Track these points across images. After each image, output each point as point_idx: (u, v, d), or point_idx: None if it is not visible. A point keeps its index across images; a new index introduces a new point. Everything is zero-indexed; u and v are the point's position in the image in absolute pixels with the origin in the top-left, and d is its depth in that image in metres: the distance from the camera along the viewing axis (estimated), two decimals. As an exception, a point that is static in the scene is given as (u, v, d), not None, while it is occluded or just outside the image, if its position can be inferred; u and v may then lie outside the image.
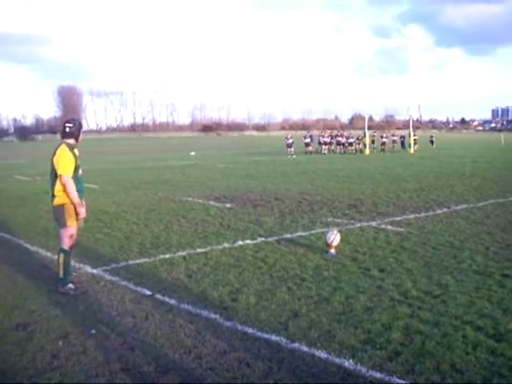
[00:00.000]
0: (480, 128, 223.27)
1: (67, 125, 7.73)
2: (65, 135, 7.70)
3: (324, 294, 7.13)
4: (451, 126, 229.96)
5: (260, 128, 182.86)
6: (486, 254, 9.23)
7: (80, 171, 7.73)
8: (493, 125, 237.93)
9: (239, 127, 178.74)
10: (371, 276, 7.96)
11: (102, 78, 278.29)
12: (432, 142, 59.39)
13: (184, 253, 9.49)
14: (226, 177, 24.53)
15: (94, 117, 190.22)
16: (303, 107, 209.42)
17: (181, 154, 47.09)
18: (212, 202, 15.70)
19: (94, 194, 17.46)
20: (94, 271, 8.43)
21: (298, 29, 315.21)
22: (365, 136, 49.01)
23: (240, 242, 10.28)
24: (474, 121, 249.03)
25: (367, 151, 47.02)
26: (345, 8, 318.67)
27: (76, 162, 7.57)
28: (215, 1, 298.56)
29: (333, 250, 9.26)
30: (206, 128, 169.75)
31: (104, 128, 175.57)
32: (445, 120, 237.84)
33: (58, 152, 7.54)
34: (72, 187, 7.40)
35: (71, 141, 7.69)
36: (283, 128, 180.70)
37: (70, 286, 7.52)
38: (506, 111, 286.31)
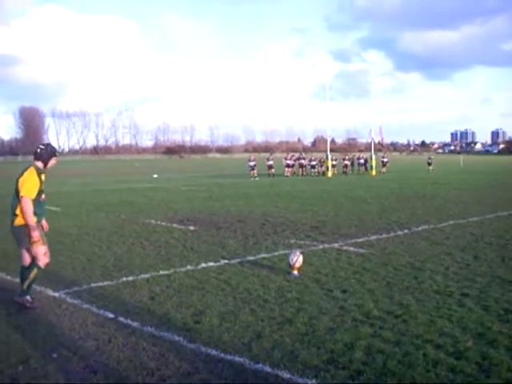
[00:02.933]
0: (440, 150, 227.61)
1: (39, 146, 7.94)
2: (35, 156, 7.85)
3: (287, 315, 7.17)
4: (412, 148, 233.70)
5: (223, 150, 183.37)
6: (445, 274, 9.38)
7: (43, 196, 7.77)
8: (452, 147, 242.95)
9: (202, 150, 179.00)
10: (334, 297, 8.02)
11: (65, 100, 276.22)
12: (383, 162, 57.85)
13: (147, 275, 9.44)
14: (189, 199, 24.48)
15: (56, 139, 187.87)
16: (266, 129, 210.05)
17: (144, 177, 46.85)
18: (175, 225, 15.66)
19: (56, 217, 17.25)
20: (56, 294, 8.33)
21: (260, 52, 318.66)
22: (327, 158, 49.42)
23: (203, 265, 10.27)
24: (434, 143, 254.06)
25: (329, 173, 47.39)
26: (306, 32, 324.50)
27: (40, 186, 7.66)
28: (176, 25, 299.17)
29: (296, 272, 9.31)
30: (169, 150, 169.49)
31: (66, 150, 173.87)
32: (406, 143, 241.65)
33: (24, 174, 7.64)
34: (30, 209, 7.45)
35: (39, 164, 7.80)
36: (246, 150, 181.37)
37: (28, 298, 7.62)
38: (464, 134, 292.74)
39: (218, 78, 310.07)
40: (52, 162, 7.98)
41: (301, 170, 50.14)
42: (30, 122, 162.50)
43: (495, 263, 10.18)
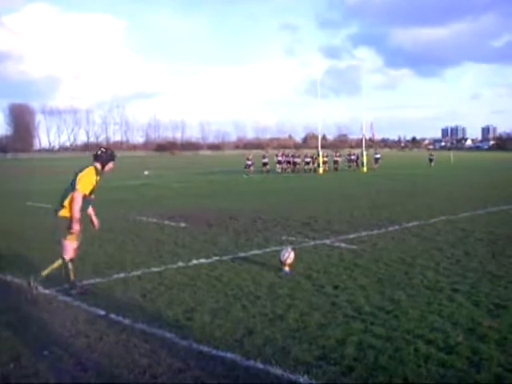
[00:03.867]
0: (431, 147, 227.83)
1: (100, 149, 8.49)
2: (94, 157, 8.32)
3: (278, 312, 7.18)
4: (403, 144, 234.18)
5: (214, 147, 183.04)
6: (436, 269, 9.42)
7: (92, 196, 8.28)
8: (443, 143, 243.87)
9: (194, 146, 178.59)
10: (325, 293, 8.04)
11: (56, 97, 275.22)
12: (376, 159, 57.74)
13: (138, 272, 9.43)
14: (180, 196, 24.47)
15: (46, 135, 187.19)
16: (257, 126, 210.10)
17: (135, 174, 46.71)
18: (167, 222, 15.64)
19: (48, 214, 17.18)
20: (47, 291, 8.29)
21: (251, 48, 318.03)
22: (318, 155, 49.46)
23: (195, 261, 10.27)
24: (424, 139, 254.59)
25: (321, 170, 47.44)
26: (296, 30, 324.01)
27: (94, 186, 8.18)
28: (167, 22, 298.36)
29: (287, 268, 9.32)
30: (160, 147, 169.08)
31: (57, 147, 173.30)
32: (397, 139, 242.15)
33: (85, 170, 8.15)
34: (79, 203, 7.90)
35: (98, 165, 8.25)
36: (237, 147, 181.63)
37: (36, 284, 8.03)
38: (455, 130, 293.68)
39: (208, 74, 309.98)
40: (110, 165, 8.41)
41: (292, 166, 50.20)
42: (20, 119, 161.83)
43: (486, 259, 10.23)
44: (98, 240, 12.68)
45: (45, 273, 8.10)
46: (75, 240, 8.16)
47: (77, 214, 7.90)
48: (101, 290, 8.38)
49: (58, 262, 8.15)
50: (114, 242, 12.39)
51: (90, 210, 8.51)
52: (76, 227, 7.94)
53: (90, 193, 8.14)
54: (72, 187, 8.01)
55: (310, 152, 59.50)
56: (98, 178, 8.26)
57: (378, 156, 55.23)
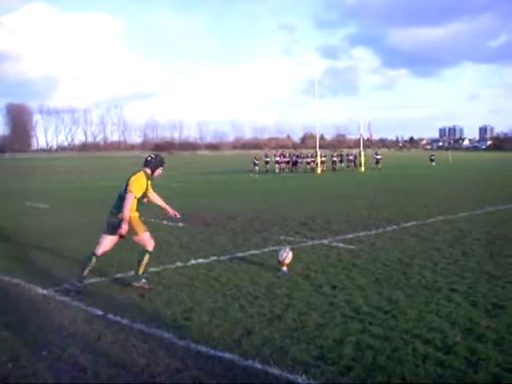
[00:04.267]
0: (428, 147, 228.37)
1: (150, 155, 9.06)
2: (144, 163, 8.83)
3: (276, 312, 7.18)
4: (401, 144, 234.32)
5: (212, 147, 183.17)
6: (434, 269, 9.43)
7: (145, 200, 8.80)
8: (440, 143, 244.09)
9: (191, 146, 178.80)
10: (323, 293, 8.05)
11: (54, 97, 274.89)
12: (377, 159, 57.35)
13: (136, 272, 9.42)
14: (178, 196, 24.45)
15: (44, 135, 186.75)
16: (255, 126, 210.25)
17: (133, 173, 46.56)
18: (165, 222, 15.61)
19: (46, 214, 17.22)
20: (45, 292, 8.30)
21: (249, 49, 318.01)
22: (316, 155, 49.48)
23: (193, 261, 10.28)
24: (422, 139, 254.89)
25: (319, 170, 47.46)
26: (294, 30, 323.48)
27: (146, 189, 8.66)
28: (165, 22, 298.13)
29: (285, 268, 9.33)
30: (158, 147, 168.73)
31: (55, 147, 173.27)
32: (394, 139, 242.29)
33: (137, 174, 8.68)
34: (131, 204, 8.37)
35: (148, 170, 8.76)
36: (235, 147, 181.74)
37: (144, 280, 8.56)
38: (452, 130, 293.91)
39: (206, 74, 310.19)
40: (158, 171, 8.86)
41: (291, 166, 50.22)
42: (18, 118, 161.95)
43: (483, 259, 10.24)
44: (96, 239, 12.66)
45: (140, 272, 8.60)
46: (143, 232, 8.67)
47: (127, 213, 8.31)
48: (99, 290, 8.38)
49: (147, 257, 8.62)
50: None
51: (163, 205, 9.33)
52: (125, 226, 8.32)
53: (142, 196, 8.60)
54: (125, 191, 8.51)
55: (310, 152, 59.51)
56: (149, 182, 8.74)
57: (379, 157, 55.09)
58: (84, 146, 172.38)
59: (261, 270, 9.58)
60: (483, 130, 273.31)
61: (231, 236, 13.14)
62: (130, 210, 8.35)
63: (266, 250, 11.34)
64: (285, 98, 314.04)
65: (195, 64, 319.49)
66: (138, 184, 8.52)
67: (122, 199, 8.50)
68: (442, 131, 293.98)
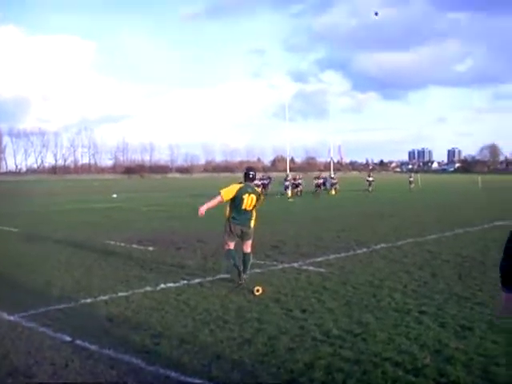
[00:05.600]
0: (398, 169, 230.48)
1: (250, 172, 10.40)
2: (245, 179, 10.32)
3: (246, 336, 7.15)
4: (371, 167, 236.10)
5: (183, 170, 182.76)
6: (404, 291, 9.49)
7: (243, 206, 10.06)
8: (410, 166, 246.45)
9: (162, 169, 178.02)
10: (293, 317, 8.03)
11: (23, 119, 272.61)
12: (369, 182, 57.89)
13: (105, 297, 9.32)
14: (148, 219, 24.33)
15: (13, 158, 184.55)
16: (226, 149, 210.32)
17: (103, 197, 46.37)
18: (134, 245, 15.52)
19: (14, 238, 16.99)
20: (11, 318, 8.14)
21: (219, 72, 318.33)
22: (287, 178, 49.56)
23: (162, 285, 10.20)
24: (392, 162, 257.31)
25: (289, 193, 47.49)
26: (264, 54, 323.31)
27: (239, 194, 9.97)
28: (135, 45, 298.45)
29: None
30: (129, 170, 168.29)
31: (24, 169, 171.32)
32: (364, 162, 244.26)
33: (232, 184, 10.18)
34: (212, 201, 10.02)
35: (251, 183, 10.32)
36: (206, 170, 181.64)
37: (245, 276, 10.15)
38: (421, 153, 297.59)
39: (177, 96, 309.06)
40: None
41: (262, 189, 50.17)
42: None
43: (452, 280, 10.34)
44: (66, 264, 12.54)
45: (247, 269, 10.26)
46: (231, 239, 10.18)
47: (204, 206, 9.88)
48: (67, 316, 8.25)
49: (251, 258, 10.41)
50: (81, 267, 12.23)
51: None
52: (201, 210, 9.86)
53: (234, 201, 10.02)
54: (254, 210, 10.32)
55: (279, 175, 59.66)
56: (248, 195, 10.03)
57: (371, 179, 55.19)
58: (54, 169, 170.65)
59: (231, 293, 9.54)
60: (451, 153, 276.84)
61: (201, 259, 13.08)
62: (209, 204, 9.97)
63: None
64: (255, 121, 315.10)
65: (167, 86, 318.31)
66: (229, 188, 10.00)
67: (250, 213, 10.27)
68: (411, 154, 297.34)
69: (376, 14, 52.13)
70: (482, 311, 8.14)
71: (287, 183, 47.51)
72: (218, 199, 9.98)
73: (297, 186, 48.33)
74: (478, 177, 71.07)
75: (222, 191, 9.90)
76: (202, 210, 9.85)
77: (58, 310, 8.58)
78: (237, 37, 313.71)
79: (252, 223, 10.34)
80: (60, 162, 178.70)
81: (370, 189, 53.15)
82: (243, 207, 10.03)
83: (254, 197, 10.12)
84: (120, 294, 9.56)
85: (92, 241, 16.73)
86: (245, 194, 10.00)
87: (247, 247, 10.30)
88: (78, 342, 6.99)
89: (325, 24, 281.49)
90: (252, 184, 10.33)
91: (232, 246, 10.19)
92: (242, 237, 10.23)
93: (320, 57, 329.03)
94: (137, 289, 9.96)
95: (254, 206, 10.20)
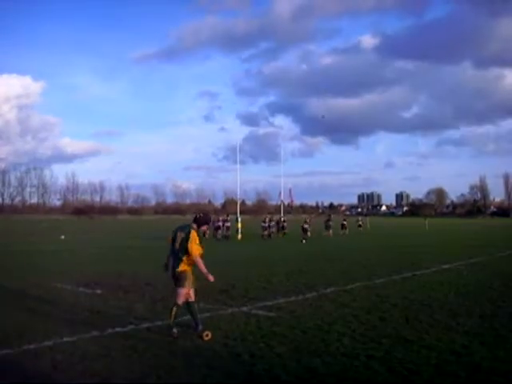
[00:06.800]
0: (347, 212, 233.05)
1: (199, 213, 10.29)
2: (194, 220, 10.05)
3: (195, 382, 7.07)
4: (321, 210, 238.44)
5: (133, 212, 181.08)
6: (352, 336, 9.54)
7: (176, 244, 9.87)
8: (359, 209, 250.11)
9: (112, 210, 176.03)
10: (242, 362, 7.99)
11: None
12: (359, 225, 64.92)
13: (50, 342, 9.08)
14: (97, 262, 23.96)
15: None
16: (177, 191, 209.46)
17: (51, 238, 45.49)
18: (81, 289, 15.24)
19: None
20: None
21: (171, 114, 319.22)
22: (237, 221, 49.52)
23: (110, 330, 10.01)
24: (342, 205, 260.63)
25: (239, 236, 47.34)
26: (215, 97, 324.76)
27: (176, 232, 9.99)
28: (87, 86, 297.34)
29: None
30: (78, 211, 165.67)
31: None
32: (315, 205, 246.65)
33: (190, 235, 9.72)
34: (202, 264, 9.76)
35: (195, 226, 9.93)
36: (157, 212, 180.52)
37: (200, 327, 9.63)
38: (370, 196, 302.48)
39: (129, 137, 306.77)
40: (203, 228, 10.15)
41: (214, 231, 49.71)
42: None
43: (400, 324, 10.45)
44: (9, 307, 12.22)
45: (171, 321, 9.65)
46: (189, 287, 9.78)
47: (205, 270, 9.67)
48: (9, 363, 8.02)
49: (174, 310, 9.67)
50: (26, 310, 11.93)
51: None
52: (210, 278, 9.70)
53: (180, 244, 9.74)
54: (184, 250, 9.63)
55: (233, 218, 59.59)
56: (179, 233, 9.84)
57: (361, 222, 64.44)
58: (0, 209, 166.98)
59: (179, 339, 9.43)
60: (399, 197, 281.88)
61: (150, 303, 12.91)
62: (204, 267, 9.71)
63: (185, 318, 11.17)
64: (206, 164, 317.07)
65: (117, 127, 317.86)
66: (197, 245, 9.66)
67: (182, 251, 9.67)
68: (360, 197, 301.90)
69: (323, 117, 55.27)
70: (429, 355, 8.25)
71: (265, 225, 47.72)
72: (199, 259, 9.69)
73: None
74: (426, 220, 72.56)
75: (195, 251, 9.62)
76: (209, 276, 9.73)
77: (-1, 356, 8.33)
78: (188, 80, 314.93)
79: (181, 266, 9.68)
80: (7, 202, 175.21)
81: (362, 230, 60.21)
82: (176, 246, 9.81)
83: (182, 235, 9.73)
84: (65, 339, 9.34)
85: (38, 283, 16.35)
86: (178, 231, 9.90)
87: (176, 296, 9.80)
88: (20, 389, 6.79)
89: (275, 69, 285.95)
90: (194, 225, 9.91)
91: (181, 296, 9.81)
92: (174, 282, 9.84)
93: (271, 101, 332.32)
94: (83, 334, 9.74)
95: (185, 247, 9.60)
